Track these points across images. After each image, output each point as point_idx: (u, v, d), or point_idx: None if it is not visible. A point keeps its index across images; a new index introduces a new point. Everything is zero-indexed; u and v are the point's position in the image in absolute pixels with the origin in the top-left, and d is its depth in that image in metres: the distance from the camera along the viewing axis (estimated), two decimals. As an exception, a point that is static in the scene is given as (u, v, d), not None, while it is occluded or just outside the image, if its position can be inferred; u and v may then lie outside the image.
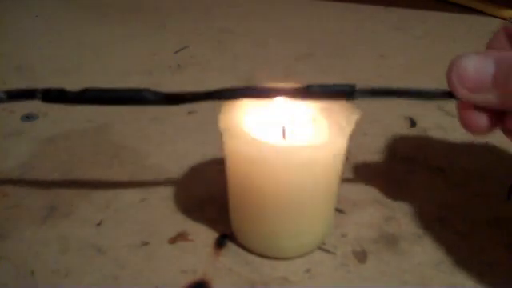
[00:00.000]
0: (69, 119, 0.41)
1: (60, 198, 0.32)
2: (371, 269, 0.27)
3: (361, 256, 0.28)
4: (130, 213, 0.31)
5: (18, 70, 0.48)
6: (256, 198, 0.25)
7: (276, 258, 0.27)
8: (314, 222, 0.27)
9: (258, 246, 0.27)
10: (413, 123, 0.40)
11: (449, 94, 0.23)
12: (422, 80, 0.46)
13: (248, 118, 0.26)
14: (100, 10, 0.65)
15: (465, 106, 0.23)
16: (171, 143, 0.37)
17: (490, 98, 0.22)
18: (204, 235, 0.29)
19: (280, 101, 0.27)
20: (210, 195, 0.32)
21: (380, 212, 0.31)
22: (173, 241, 0.29)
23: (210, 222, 0.30)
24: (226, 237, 0.29)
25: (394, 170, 0.34)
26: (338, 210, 0.30)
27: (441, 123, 0.40)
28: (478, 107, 0.22)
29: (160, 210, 0.31)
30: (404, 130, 0.39)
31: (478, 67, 0.22)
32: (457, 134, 0.39)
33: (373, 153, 0.36)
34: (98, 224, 0.30)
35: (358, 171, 0.34)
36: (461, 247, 0.28)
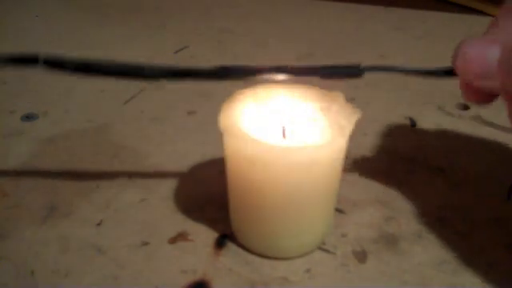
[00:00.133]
0: (69, 119, 0.41)
1: (60, 197, 0.32)
2: (371, 269, 0.27)
3: (361, 256, 0.28)
4: (130, 213, 0.31)
5: (18, 70, 0.48)
6: (256, 197, 0.25)
7: (276, 258, 0.27)
8: (314, 221, 0.27)
9: (258, 246, 0.27)
10: (413, 123, 0.40)
11: (452, 72, 0.23)
12: (422, 80, 0.46)
13: (248, 118, 0.26)
14: (100, 10, 0.65)
15: (468, 84, 0.23)
16: (171, 143, 0.38)
17: (494, 84, 0.21)
18: (204, 235, 0.29)
19: (280, 101, 0.28)
20: (210, 195, 0.32)
21: (380, 212, 0.31)
22: (173, 241, 0.29)
23: (210, 222, 0.30)
24: (226, 237, 0.29)
25: (394, 169, 0.34)
26: (338, 210, 0.30)
27: (441, 123, 0.40)
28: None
29: (160, 210, 0.31)
30: (404, 130, 0.39)
31: (481, 55, 0.21)
32: (457, 133, 0.39)
33: (373, 153, 0.36)
34: (98, 224, 0.30)
35: (358, 171, 0.34)
36: (461, 247, 0.28)
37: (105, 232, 0.29)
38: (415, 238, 0.29)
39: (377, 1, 0.67)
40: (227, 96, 0.26)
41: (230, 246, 0.28)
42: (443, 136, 0.38)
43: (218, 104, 0.26)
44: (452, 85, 0.45)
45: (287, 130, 0.27)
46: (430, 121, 0.40)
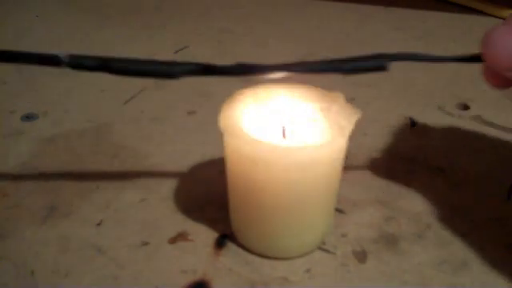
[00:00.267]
0: (69, 119, 0.41)
1: (60, 197, 0.32)
2: (371, 269, 0.27)
3: (361, 256, 0.28)
4: (130, 213, 0.31)
5: (18, 70, 0.48)
6: (256, 197, 0.25)
7: (276, 258, 0.27)
8: (314, 221, 0.27)
9: (257, 246, 0.27)
10: (413, 123, 0.40)
11: (478, 58, 0.23)
12: (422, 80, 0.46)
13: (248, 118, 0.26)
14: (100, 10, 0.65)
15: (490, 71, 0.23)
16: (171, 143, 0.38)
17: None
18: (204, 235, 0.29)
19: (280, 101, 0.28)
20: (209, 195, 0.32)
21: (380, 212, 0.31)
22: (173, 241, 0.29)
23: (210, 222, 0.30)
24: (226, 237, 0.29)
25: (394, 169, 0.34)
26: (338, 210, 0.30)
27: (441, 123, 0.40)
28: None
29: (160, 210, 0.31)
30: (404, 130, 0.39)
31: (510, 48, 0.21)
32: (457, 134, 0.39)
33: (373, 153, 0.36)
34: (98, 224, 0.30)
35: (358, 171, 0.34)
36: (461, 247, 0.28)
37: (105, 232, 0.29)
38: (415, 238, 0.29)
39: (377, 1, 0.67)
40: (227, 96, 0.26)
41: (230, 246, 0.28)
42: (443, 136, 0.38)
43: (218, 104, 0.26)
44: (452, 85, 0.45)
45: (287, 130, 0.27)
46: (430, 121, 0.40)
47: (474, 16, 0.62)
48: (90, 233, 0.29)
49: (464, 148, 0.37)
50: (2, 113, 0.41)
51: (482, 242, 0.29)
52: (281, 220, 0.26)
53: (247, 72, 0.23)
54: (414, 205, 0.31)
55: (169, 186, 0.33)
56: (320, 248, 0.28)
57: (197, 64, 0.22)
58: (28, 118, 0.41)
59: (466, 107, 0.42)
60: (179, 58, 0.51)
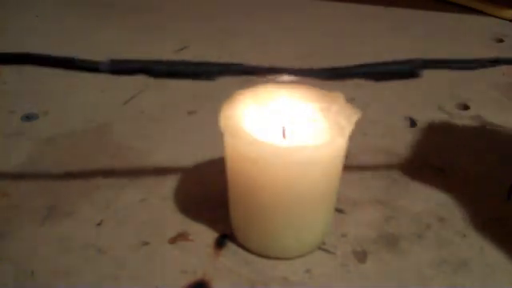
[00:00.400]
0: (69, 119, 0.41)
1: (60, 198, 0.32)
2: (371, 269, 0.27)
3: (361, 256, 0.28)
4: (129, 213, 0.31)
5: (18, 70, 0.48)
6: (256, 198, 0.25)
7: (276, 258, 0.27)
8: (314, 221, 0.27)
9: (257, 246, 0.27)
10: (413, 123, 0.40)
11: (502, 62, 0.22)
12: (422, 80, 0.46)
13: (248, 118, 0.26)
14: (100, 10, 0.65)
15: None
16: (171, 143, 0.38)
17: None
18: (204, 235, 0.29)
19: (280, 101, 0.28)
20: (210, 195, 0.32)
21: (380, 212, 0.31)
22: (173, 241, 0.29)
23: (210, 222, 0.30)
24: (226, 237, 0.29)
25: (394, 170, 0.34)
26: (338, 210, 0.30)
27: (441, 123, 0.40)
28: None
29: (160, 210, 0.31)
30: (404, 129, 0.39)
31: None
32: (457, 134, 0.39)
33: (373, 153, 0.36)
34: (98, 224, 0.30)
35: (358, 171, 0.34)
36: (461, 247, 0.28)
37: (105, 232, 0.29)
38: (415, 238, 0.29)
39: (377, 1, 0.67)
40: (227, 96, 0.26)
41: (230, 246, 0.28)
42: (443, 136, 0.38)
43: (218, 104, 0.26)
44: (452, 85, 0.45)
45: (287, 131, 0.27)
46: (430, 121, 0.40)
47: (474, 16, 0.62)
48: (90, 233, 0.29)
49: (464, 148, 0.37)
50: (1, 113, 0.41)
51: (482, 242, 0.29)
52: (281, 220, 0.26)
53: (277, 73, 0.22)
54: (414, 205, 0.31)
55: (169, 186, 0.33)
56: (320, 248, 0.28)
57: (233, 65, 0.22)
58: (28, 118, 0.41)
59: (466, 107, 0.42)
60: (179, 57, 0.51)
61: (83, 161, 0.35)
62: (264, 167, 0.24)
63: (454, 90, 0.44)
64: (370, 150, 0.36)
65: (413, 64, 0.21)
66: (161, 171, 0.34)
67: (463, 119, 0.40)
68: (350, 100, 0.26)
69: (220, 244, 0.28)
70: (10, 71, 0.48)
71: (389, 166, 0.35)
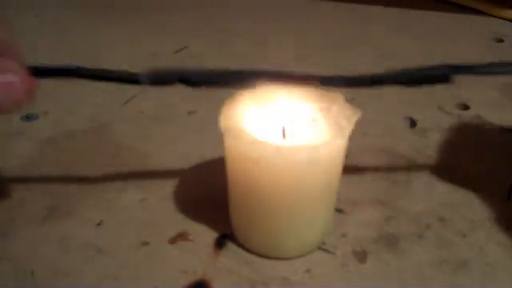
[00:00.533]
0: (69, 119, 0.41)
1: (60, 197, 0.32)
2: (371, 269, 0.27)
3: (361, 256, 0.28)
4: (129, 213, 0.31)
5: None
6: (256, 197, 0.25)
7: (276, 258, 0.27)
8: (314, 221, 0.27)
9: (257, 246, 0.27)
10: (413, 123, 0.40)
11: None
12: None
13: (248, 118, 0.26)
14: (100, 9, 0.65)
15: None
16: (171, 143, 0.37)
17: None
18: (204, 235, 0.29)
19: (280, 101, 0.28)
20: (210, 195, 0.32)
21: (380, 212, 0.31)
22: (173, 241, 0.29)
23: (210, 222, 0.30)
24: (226, 237, 0.29)
25: (394, 169, 0.34)
26: (338, 210, 0.30)
27: (441, 123, 0.40)
28: None
29: (160, 210, 0.31)
30: (404, 129, 0.39)
31: None
32: (457, 134, 0.39)
33: (373, 153, 0.36)
34: (98, 224, 0.30)
35: (358, 171, 0.34)
36: (461, 247, 0.28)
37: (105, 232, 0.29)
38: (415, 238, 0.29)
39: (376, 1, 0.67)
40: (227, 96, 0.26)
41: (230, 246, 0.28)
42: (443, 136, 0.38)
43: (218, 104, 0.26)
44: (452, 85, 0.45)
45: (287, 130, 0.27)
46: (430, 121, 0.40)
47: (474, 16, 0.62)
48: (90, 233, 0.29)
49: (464, 148, 0.37)
50: (1, 113, 0.41)
51: (482, 242, 0.29)
52: (281, 220, 0.26)
53: (309, 80, 0.22)
54: (414, 205, 0.31)
55: (169, 186, 0.33)
56: (320, 248, 0.28)
57: (265, 72, 0.22)
58: (28, 118, 0.41)
59: (466, 107, 0.42)
60: (179, 58, 0.51)
61: (83, 161, 0.35)
62: (264, 167, 0.24)
63: (454, 90, 0.44)
64: (370, 149, 0.36)
65: (445, 69, 0.21)
66: (161, 171, 0.34)
67: (463, 119, 0.40)
68: (350, 100, 0.26)
69: (220, 244, 0.28)
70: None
71: (389, 166, 0.35)
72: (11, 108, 0.21)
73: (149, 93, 0.45)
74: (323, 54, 0.52)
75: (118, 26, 0.60)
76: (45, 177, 0.34)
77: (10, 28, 0.23)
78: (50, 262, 0.27)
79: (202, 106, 0.42)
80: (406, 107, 0.42)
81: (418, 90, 0.45)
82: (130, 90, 0.44)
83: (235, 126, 0.24)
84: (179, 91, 0.44)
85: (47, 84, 0.47)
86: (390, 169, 0.35)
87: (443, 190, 0.33)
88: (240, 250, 0.28)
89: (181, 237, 0.29)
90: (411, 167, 0.35)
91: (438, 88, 0.45)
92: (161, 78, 0.21)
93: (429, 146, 0.37)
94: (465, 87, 0.45)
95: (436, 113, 0.41)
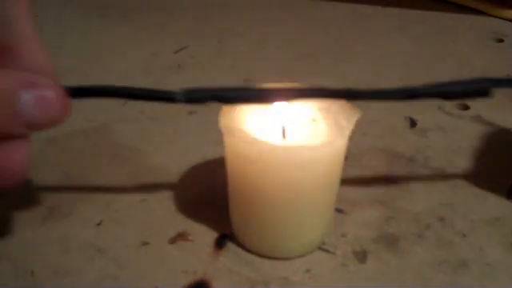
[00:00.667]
0: (69, 119, 0.40)
1: (60, 198, 0.32)
2: (371, 269, 0.27)
3: (361, 256, 0.28)
4: (129, 213, 0.31)
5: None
6: (256, 197, 0.25)
7: (276, 258, 0.27)
8: (314, 221, 0.27)
9: (257, 246, 0.27)
10: (413, 123, 0.40)
11: None
12: (421, 80, 0.46)
13: (248, 118, 0.26)
14: (100, 9, 0.65)
15: None
16: (171, 143, 0.37)
17: None
18: (204, 235, 0.29)
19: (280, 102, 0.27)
20: (210, 195, 0.32)
21: (380, 212, 0.31)
22: (173, 241, 0.29)
23: (210, 222, 0.30)
24: (225, 237, 0.29)
25: (394, 169, 0.34)
26: (338, 210, 0.30)
27: (441, 123, 0.40)
28: None
29: (160, 210, 0.31)
30: (404, 129, 0.39)
31: None
32: (457, 134, 0.39)
33: (373, 153, 0.36)
34: (98, 224, 0.30)
35: (358, 171, 0.34)
36: (461, 247, 0.28)
37: (105, 232, 0.29)
38: (415, 238, 0.29)
39: (376, 1, 0.67)
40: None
41: (230, 246, 0.28)
42: (443, 136, 0.38)
43: (218, 104, 0.26)
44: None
45: (287, 130, 0.27)
46: (430, 121, 0.40)
47: (474, 16, 0.62)
48: (89, 233, 0.29)
49: (464, 148, 0.37)
50: (1, 113, 0.41)
51: (482, 242, 0.29)
52: (281, 220, 0.26)
53: (354, 97, 0.22)
54: (414, 205, 0.31)
55: (169, 186, 0.33)
56: (320, 248, 0.28)
57: (310, 89, 0.22)
58: (28, 118, 0.40)
59: (465, 107, 0.42)
60: (179, 58, 0.51)
61: (83, 161, 0.35)
62: (264, 167, 0.24)
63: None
64: (370, 149, 0.36)
65: (485, 83, 0.21)
66: (161, 171, 0.34)
67: (463, 119, 0.40)
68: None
69: (220, 244, 0.28)
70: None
71: (389, 166, 0.35)
72: (46, 124, 0.21)
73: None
74: (323, 54, 0.52)
75: (118, 26, 0.60)
76: (45, 177, 0.34)
77: (49, 55, 0.23)
78: (50, 262, 0.27)
79: (202, 106, 0.42)
80: (405, 107, 0.42)
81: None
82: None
83: (235, 125, 0.24)
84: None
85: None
86: (389, 169, 0.35)
87: (443, 189, 0.33)
88: (240, 250, 0.28)
89: (181, 237, 0.29)
90: (411, 167, 0.35)
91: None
92: (197, 97, 0.22)
93: (429, 146, 0.37)
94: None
95: (436, 113, 0.41)
